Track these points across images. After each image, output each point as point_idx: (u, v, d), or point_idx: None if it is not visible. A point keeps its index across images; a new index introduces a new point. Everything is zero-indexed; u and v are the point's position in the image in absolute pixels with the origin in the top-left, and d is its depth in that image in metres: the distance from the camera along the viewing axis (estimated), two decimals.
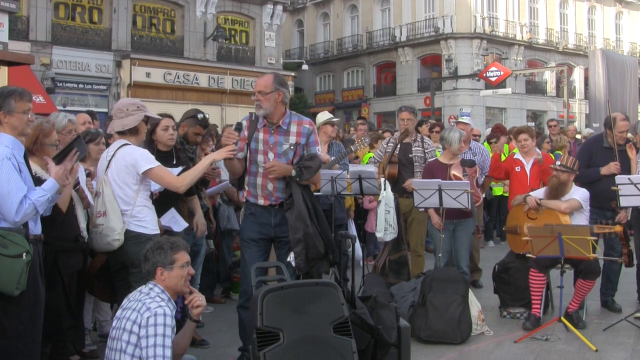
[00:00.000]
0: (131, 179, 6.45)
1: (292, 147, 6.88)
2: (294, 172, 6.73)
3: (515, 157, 11.03)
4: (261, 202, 6.98)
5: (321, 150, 7.03)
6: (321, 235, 6.81)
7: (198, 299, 5.49)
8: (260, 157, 6.93)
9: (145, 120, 6.78)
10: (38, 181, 5.65)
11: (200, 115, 8.23)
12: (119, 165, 6.46)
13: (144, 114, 6.72)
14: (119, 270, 6.65)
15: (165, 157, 7.32)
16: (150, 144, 7.40)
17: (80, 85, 32.44)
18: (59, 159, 5.55)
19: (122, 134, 6.64)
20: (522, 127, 11.71)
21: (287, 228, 6.78)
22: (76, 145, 5.64)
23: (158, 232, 6.64)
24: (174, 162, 7.31)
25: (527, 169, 10.49)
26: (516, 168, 10.64)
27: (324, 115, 10.70)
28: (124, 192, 6.46)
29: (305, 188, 6.86)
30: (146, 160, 6.45)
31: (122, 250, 6.42)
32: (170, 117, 7.53)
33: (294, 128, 6.95)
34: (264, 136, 6.97)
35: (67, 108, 27.21)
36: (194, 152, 8.33)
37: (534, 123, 49.38)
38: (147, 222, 6.55)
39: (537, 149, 11.55)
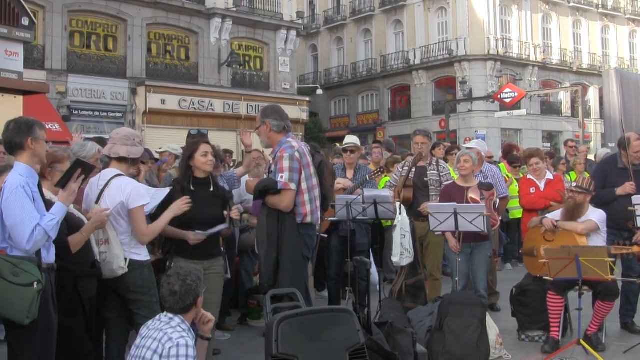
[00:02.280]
0: (125, 210, 6.48)
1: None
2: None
3: (528, 177, 11.06)
4: None
5: (299, 177, 7.40)
6: (269, 261, 7.25)
7: (207, 315, 5.51)
8: None
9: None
10: (49, 204, 5.68)
11: (193, 131, 8.28)
12: (113, 197, 6.46)
13: (144, 149, 6.87)
14: (108, 296, 6.66)
15: (202, 184, 7.24)
16: (187, 170, 7.27)
17: (96, 113, 32.61)
18: (62, 183, 5.59)
19: (118, 161, 6.67)
20: (532, 151, 11.71)
21: None
22: (79, 166, 5.69)
23: (150, 258, 6.72)
24: (211, 188, 7.25)
25: (541, 188, 10.61)
26: (530, 189, 10.67)
27: (345, 140, 10.79)
28: (119, 222, 6.48)
29: (273, 212, 7.32)
30: (139, 196, 6.49)
31: (119, 277, 6.42)
32: (209, 142, 7.46)
33: (278, 157, 7.41)
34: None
35: (83, 135, 27.31)
36: None
37: (549, 144, 49.27)
38: (141, 249, 6.60)
39: (548, 171, 11.56)
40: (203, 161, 7.18)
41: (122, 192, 6.43)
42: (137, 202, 6.45)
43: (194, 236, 6.95)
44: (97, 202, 6.52)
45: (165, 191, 7.02)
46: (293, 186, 7.26)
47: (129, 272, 6.39)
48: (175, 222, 6.87)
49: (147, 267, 6.57)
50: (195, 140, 7.44)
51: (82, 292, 6.28)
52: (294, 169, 7.27)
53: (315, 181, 7.68)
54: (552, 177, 11.17)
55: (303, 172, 7.43)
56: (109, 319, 6.77)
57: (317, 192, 7.70)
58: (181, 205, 6.79)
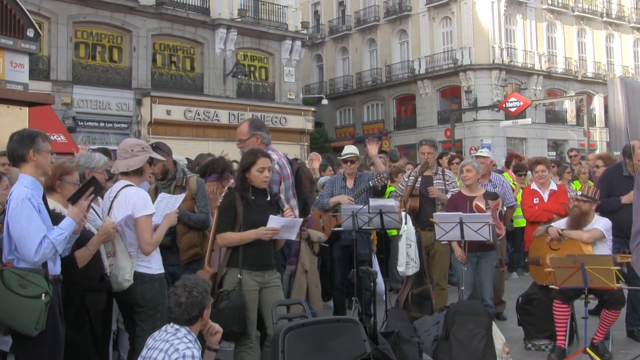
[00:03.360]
0: (133, 220, 6.44)
1: None
2: None
3: (532, 188, 11.03)
4: None
5: (278, 188, 7.77)
6: None
7: (215, 326, 5.51)
8: None
9: (149, 161, 6.84)
10: (57, 217, 5.69)
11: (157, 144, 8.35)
12: (121, 208, 6.47)
13: (149, 155, 6.78)
14: (124, 310, 6.69)
15: (260, 193, 7.08)
16: (243, 182, 7.05)
17: (101, 124, 32.74)
18: (74, 199, 5.60)
19: (125, 174, 6.66)
20: (539, 158, 11.70)
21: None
22: (92, 184, 5.71)
23: (162, 271, 6.68)
24: (268, 197, 7.13)
25: (545, 199, 10.57)
26: (534, 199, 10.65)
27: (344, 151, 10.78)
28: (127, 233, 6.46)
29: None
30: (144, 205, 6.45)
31: (127, 290, 6.40)
32: (268, 156, 7.19)
33: None
34: None
35: (89, 147, 27.35)
36: (168, 186, 8.22)
37: (555, 152, 49.20)
38: (151, 262, 6.55)
39: (553, 181, 11.55)
40: (259, 176, 6.97)
41: (128, 203, 6.43)
42: (142, 212, 6.42)
43: (267, 226, 6.75)
44: (107, 213, 6.53)
45: (180, 197, 6.99)
46: None
47: (138, 284, 6.37)
48: (236, 230, 6.85)
49: (157, 281, 6.53)
50: (255, 152, 7.15)
51: (89, 306, 6.27)
52: (273, 181, 7.51)
53: (294, 191, 8.05)
54: (556, 188, 11.15)
55: (283, 184, 7.73)
56: (131, 331, 6.75)
57: (293, 202, 7.98)
58: (175, 216, 6.81)
